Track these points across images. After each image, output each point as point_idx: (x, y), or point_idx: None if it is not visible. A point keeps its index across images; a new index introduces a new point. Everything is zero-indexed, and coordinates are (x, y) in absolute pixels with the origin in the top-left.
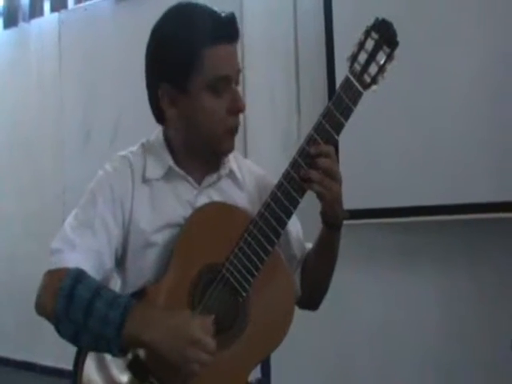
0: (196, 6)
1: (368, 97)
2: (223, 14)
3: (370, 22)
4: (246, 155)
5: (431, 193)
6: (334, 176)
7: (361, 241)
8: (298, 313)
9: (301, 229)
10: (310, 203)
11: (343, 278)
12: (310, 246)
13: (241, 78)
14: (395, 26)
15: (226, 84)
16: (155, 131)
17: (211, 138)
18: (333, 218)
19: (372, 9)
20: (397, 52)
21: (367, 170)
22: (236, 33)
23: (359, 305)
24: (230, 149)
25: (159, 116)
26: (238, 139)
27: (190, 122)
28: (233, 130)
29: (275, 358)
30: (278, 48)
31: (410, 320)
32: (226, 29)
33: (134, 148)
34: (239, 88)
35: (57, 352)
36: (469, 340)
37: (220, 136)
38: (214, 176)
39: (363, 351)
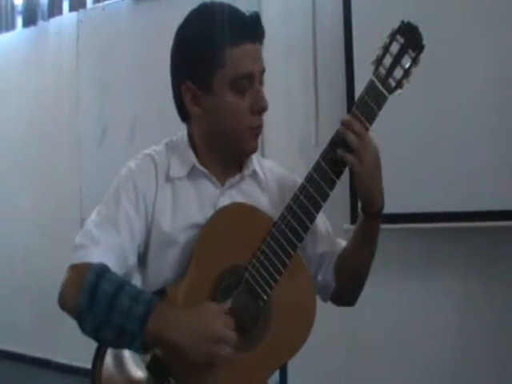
0: (220, 5)
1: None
2: (247, 14)
3: (390, 23)
4: (262, 155)
5: (447, 199)
6: (356, 152)
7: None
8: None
9: (329, 225)
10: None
11: None
12: (343, 243)
13: None
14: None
15: (249, 82)
16: (180, 132)
17: (234, 138)
18: (369, 204)
19: (391, 11)
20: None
21: (383, 175)
22: (260, 33)
23: (373, 311)
24: (254, 149)
25: (183, 114)
26: None
27: (213, 121)
28: (256, 130)
29: (292, 363)
30: (296, 50)
31: (423, 327)
32: (250, 28)
33: (158, 147)
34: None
35: (72, 350)
36: (483, 349)
37: (243, 135)
38: (237, 177)
39: (377, 358)
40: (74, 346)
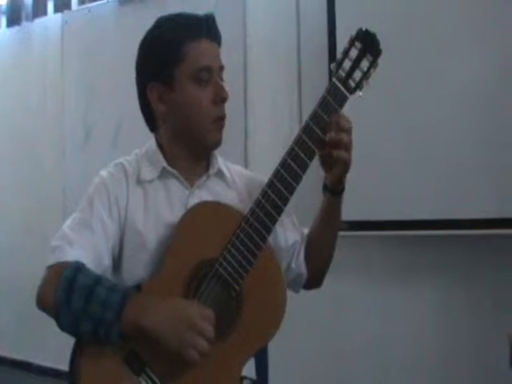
0: (176, 13)
1: (365, 108)
2: (203, 14)
3: (373, 26)
4: (246, 161)
5: (430, 207)
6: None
7: (359, 252)
8: (297, 319)
9: (294, 216)
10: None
11: (340, 289)
12: (306, 231)
13: (242, 82)
14: (396, 30)
15: (209, 75)
16: (148, 142)
17: (199, 130)
18: (342, 183)
19: (374, 12)
20: (398, 59)
21: (366, 181)
22: (216, 33)
23: (356, 314)
24: (218, 141)
25: (151, 122)
26: (238, 145)
27: (179, 117)
28: (219, 121)
29: (273, 361)
30: (280, 53)
31: (406, 332)
32: (206, 26)
33: (129, 157)
34: (240, 92)
35: (54, 352)
36: (464, 354)
37: (207, 127)
38: (204, 177)
39: (359, 359)
40: (56, 349)
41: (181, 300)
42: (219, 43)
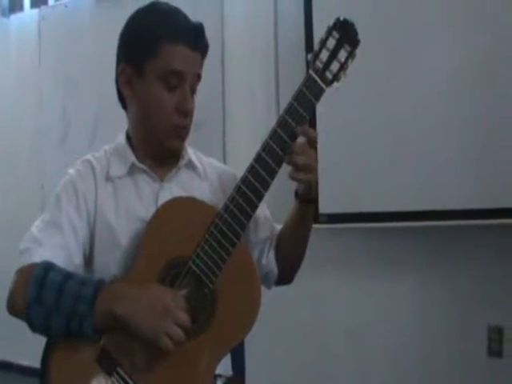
0: (172, 6)
1: (348, 102)
2: (193, 21)
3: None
4: (224, 155)
5: (409, 199)
6: (315, 160)
7: (338, 245)
8: (276, 313)
9: (268, 212)
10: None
11: (320, 282)
12: (279, 227)
13: (220, 73)
14: (374, 26)
15: (179, 80)
16: (118, 136)
17: (157, 131)
18: (312, 194)
19: (351, 9)
20: (378, 54)
21: (346, 174)
22: (200, 43)
23: (335, 307)
24: (175, 148)
25: (123, 101)
26: (216, 138)
27: (141, 107)
28: (180, 130)
29: (250, 356)
30: (258, 50)
31: (386, 324)
32: (190, 34)
33: (97, 153)
34: (219, 88)
35: (35, 351)
36: (442, 344)
37: (166, 131)
38: (174, 170)
39: (340, 353)
40: (36, 348)
41: (153, 286)
42: (203, 54)
